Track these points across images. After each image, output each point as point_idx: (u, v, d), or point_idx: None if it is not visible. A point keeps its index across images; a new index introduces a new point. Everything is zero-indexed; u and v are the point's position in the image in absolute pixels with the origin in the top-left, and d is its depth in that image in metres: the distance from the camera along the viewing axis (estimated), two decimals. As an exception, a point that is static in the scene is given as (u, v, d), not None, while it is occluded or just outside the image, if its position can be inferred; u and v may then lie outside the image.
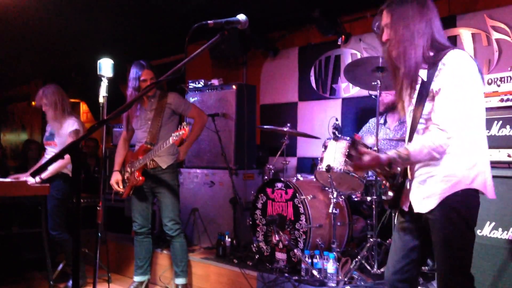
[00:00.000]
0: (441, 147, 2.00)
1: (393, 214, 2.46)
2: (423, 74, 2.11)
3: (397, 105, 2.29)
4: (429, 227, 2.10)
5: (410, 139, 2.16)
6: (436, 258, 2.12)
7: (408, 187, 2.20)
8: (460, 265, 2.08)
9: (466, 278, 2.10)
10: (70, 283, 4.31)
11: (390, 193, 2.25)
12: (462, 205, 2.03)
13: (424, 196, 2.10)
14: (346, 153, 1.96)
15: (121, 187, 4.02)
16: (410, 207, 2.18)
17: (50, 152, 4.35)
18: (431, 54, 2.10)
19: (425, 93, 2.08)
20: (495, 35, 4.26)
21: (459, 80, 2.00)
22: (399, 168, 2.21)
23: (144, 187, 4.03)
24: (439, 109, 2.03)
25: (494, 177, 2.67)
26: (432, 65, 2.06)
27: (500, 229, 2.66)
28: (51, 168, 4.02)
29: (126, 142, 4.23)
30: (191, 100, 5.33)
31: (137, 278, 4.19)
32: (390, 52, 2.16)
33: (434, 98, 2.05)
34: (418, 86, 2.13)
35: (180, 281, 4.07)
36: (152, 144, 3.92)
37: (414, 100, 2.14)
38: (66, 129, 4.26)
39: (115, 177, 4.05)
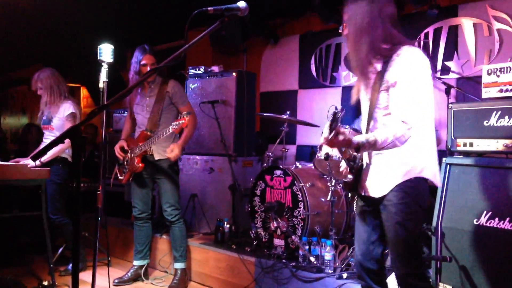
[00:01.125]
0: (403, 137, 2.10)
1: (350, 197, 2.60)
2: (379, 65, 2.23)
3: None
4: (382, 211, 2.25)
5: (368, 126, 2.30)
6: (391, 241, 2.24)
7: (365, 172, 2.33)
8: (416, 245, 2.22)
9: (420, 259, 2.24)
10: (70, 266, 4.36)
11: (350, 176, 2.36)
12: (414, 190, 2.18)
13: (378, 181, 2.26)
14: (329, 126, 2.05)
15: (123, 154, 4.05)
16: (367, 191, 2.32)
17: (48, 136, 4.37)
18: (387, 47, 2.20)
19: (379, 84, 2.20)
20: (497, 25, 4.25)
21: (417, 75, 2.12)
22: (355, 154, 2.33)
23: (143, 173, 4.06)
24: (399, 101, 2.14)
25: (491, 167, 2.71)
26: (387, 57, 2.18)
27: (496, 219, 2.69)
28: (51, 152, 4.04)
29: (131, 120, 4.29)
30: (191, 86, 5.33)
31: (136, 262, 4.25)
32: (349, 48, 2.33)
33: (388, 89, 2.17)
34: (374, 76, 2.25)
35: (179, 265, 4.12)
36: (152, 131, 3.94)
37: (369, 90, 2.28)
38: (63, 113, 4.28)
39: (120, 143, 4.08)
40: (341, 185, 3.95)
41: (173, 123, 3.59)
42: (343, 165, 2.45)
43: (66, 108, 4.29)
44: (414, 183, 2.17)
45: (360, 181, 2.36)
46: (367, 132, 2.30)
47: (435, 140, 2.25)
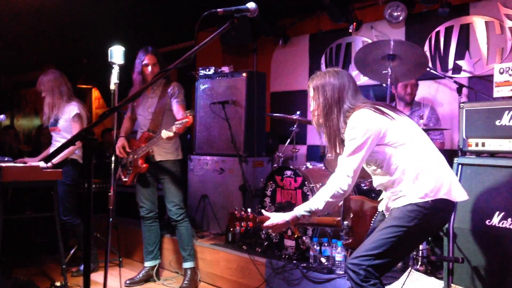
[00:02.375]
0: (339, 191, 2.32)
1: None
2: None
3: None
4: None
5: None
6: (369, 237, 2.34)
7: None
8: (385, 252, 2.24)
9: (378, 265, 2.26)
10: (82, 267, 4.39)
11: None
12: (419, 210, 2.25)
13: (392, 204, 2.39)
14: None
15: (125, 153, 4.07)
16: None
17: (56, 137, 4.41)
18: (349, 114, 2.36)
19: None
20: (509, 23, 4.20)
21: (350, 137, 2.28)
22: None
23: (147, 173, 4.10)
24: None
25: (504, 167, 2.68)
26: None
27: (509, 219, 2.65)
28: (61, 154, 4.07)
29: (131, 120, 4.33)
30: (201, 87, 5.34)
31: (148, 263, 4.27)
32: (318, 120, 2.48)
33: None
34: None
35: (188, 265, 4.13)
36: (155, 132, 3.97)
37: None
38: (69, 115, 4.33)
39: (121, 142, 4.09)
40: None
41: (176, 122, 3.60)
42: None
43: (72, 110, 4.33)
44: (419, 204, 2.24)
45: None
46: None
47: (429, 158, 2.32)
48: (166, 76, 4.09)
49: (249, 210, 2.60)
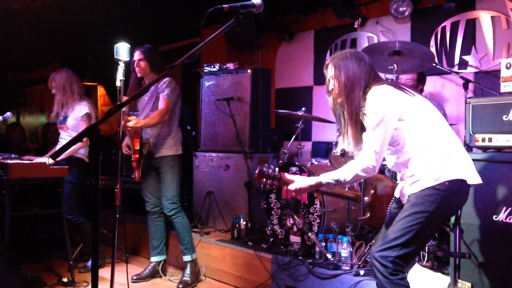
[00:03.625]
0: (369, 167, 2.31)
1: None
2: None
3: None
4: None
5: None
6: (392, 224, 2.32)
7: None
8: (409, 240, 2.24)
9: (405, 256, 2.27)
10: (89, 263, 4.42)
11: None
12: (438, 193, 2.25)
13: (405, 191, 2.40)
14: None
15: (131, 150, 4.10)
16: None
17: (63, 135, 4.43)
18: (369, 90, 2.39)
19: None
20: (515, 18, 4.17)
21: (369, 115, 2.32)
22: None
23: (151, 168, 4.14)
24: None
25: (507, 162, 2.67)
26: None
27: (516, 215, 2.65)
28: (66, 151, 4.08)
29: None
30: (206, 84, 5.34)
31: (154, 259, 4.29)
32: (335, 100, 2.50)
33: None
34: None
35: (187, 258, 4.15)
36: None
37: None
38: (78, 113, 4.34)
39: (126, 141, 4.12)
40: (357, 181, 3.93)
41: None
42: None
43: (82, 109, 4.35)
44: (437, 187, 2.24)
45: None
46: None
47: (448, 140, 2.33)
48: (157, 72, 4.08)
49: (277, 169, 2.60)
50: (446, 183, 2.23)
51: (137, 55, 4.03)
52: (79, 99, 4.41)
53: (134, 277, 4.18)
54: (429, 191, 2.24)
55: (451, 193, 2.24)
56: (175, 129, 4.20)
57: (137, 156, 4.07)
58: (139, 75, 4.08)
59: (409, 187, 2.35)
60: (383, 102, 2.29)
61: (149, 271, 4.25)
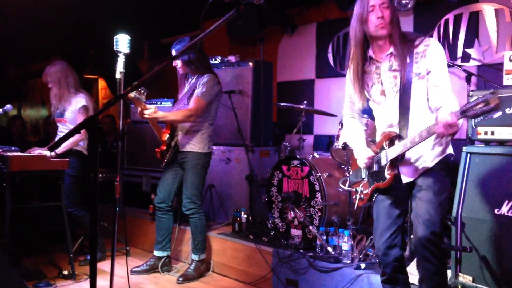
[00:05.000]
0: None
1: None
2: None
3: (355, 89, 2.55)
4: (413, 191, 2.39)
5: (402, 116, 2.35)
6: (421, 212, 2.30)
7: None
8: (443, 214, 2.33)
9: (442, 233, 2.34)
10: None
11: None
12: (446, 166, 2.36)
13: (416, 165, 2.37)
14: None
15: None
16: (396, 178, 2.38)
17: (61, 129, 4.42)
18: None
19: (410, 74, 2.31)
20: (519, 11, 4.14)
21: (446, 64, 2.33)
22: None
23: (174, 162, 4.09)
24: (443, 87, 2.28)
25: (510, 155, 2.66)
26: (407, 50, 2.32)
27: (518, 208, 2.63)
28: (65, 144, 4.07)
29: None
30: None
31: (156, 253, 4.26)
32: (382, 29, 2.32)
33: (423, 77, 2.30)
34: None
35: (194, 256, 4.13)
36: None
37: (398, 82, 2.34)
38: (75, 106, 4.31)
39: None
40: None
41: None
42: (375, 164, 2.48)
43: (79, 101, 4.32)
44: (446, 160, 2.36)
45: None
46: (400, 125, 2.36)
47: None
48: (202, 67, 4.00)
49: None
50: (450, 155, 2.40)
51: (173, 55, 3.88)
52: (75, 91, 4.38)
53: (133, 269, 4.17)
54: (441, 165, 2.35)
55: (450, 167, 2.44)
56: (206, 126, 4.05)
57: (164, 147, 4.03)
58: (181, 72, 4.04)
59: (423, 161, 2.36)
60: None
61: (148, 265, 4.21)
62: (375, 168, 2.45)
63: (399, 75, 2.33)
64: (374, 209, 2.55)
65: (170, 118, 3.92)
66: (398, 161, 2.35)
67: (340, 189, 3.76)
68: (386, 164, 2.35)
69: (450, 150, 2.39)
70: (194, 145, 4.01)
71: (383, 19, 2.29)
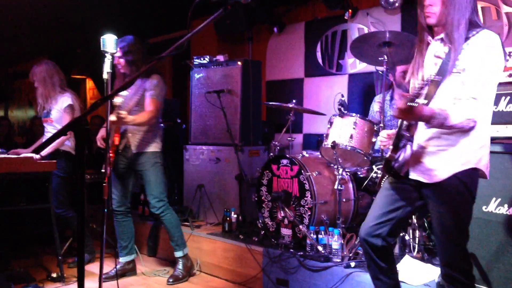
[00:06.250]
0: (473, 120, 2.08)
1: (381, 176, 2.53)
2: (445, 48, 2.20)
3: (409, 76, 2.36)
4: (432, 197, 2.22)
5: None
6: (440, 228, 2.21)
7: (410, 153, 2.24)
8: (464, 237, 2.22)
9: (467, 254, 2.24)
10: (78, 258, 4.37)
11: (393, 154, 2.26)
12: (469, 181, 2.16)
13: (432, 167, 2.20)
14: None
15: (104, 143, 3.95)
16: (407, 173, 2.27)
17: (48, 129, 4.38)
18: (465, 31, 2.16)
19: (448, 66, 2.14)
20: (505, 9, 4.17)
21: (489, 58, 2.10)
22: (404, 133, 2.26)
23: (121, 165, 4.02)
24: (469, 81, 2.10)
25: (501, 153, 2.67)
26: (458, 39, 2.14)
27: (505, 205, 2.65)
28: (51, 145, 4.02)
29: None
30: (196, 76, 5.30)
31: (123, 259, 4.15)
32: (428, 18, 2.23)
33: (460, 70, 2.12)
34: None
35: (178, 254, 4.10)
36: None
37: (436, 69, 2.19)
38: (61, 105, 4.28)
39: (101, 133, 4.00)
40: (348, 173, 3.92)
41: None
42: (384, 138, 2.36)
43: (64, 101, 4.29)
44: (470, 173, 2.16)
45: (402, 162, 2.26)
46: None
47: (489, 133, 2.24)
48: (149, 69, 3.91)
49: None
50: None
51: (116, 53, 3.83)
52: (61, 90, 4.34)
53: (104, 276, 4.00)
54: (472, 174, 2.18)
55: (476, 182, 2.23)
56: (156, 124, 4.04)
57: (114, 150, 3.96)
58: (121, 71, 3.94)
59: (450, 160, 2.17)
60: (499, 54, 2.16)
61: (118, 270, 4.01)
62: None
63: (439, 63, 2.19)
64: (377, 195, 2.48)
65: (138, 121, 3.81)
66: (402, 149, 2.23)
67: (330, 188, 3.76)
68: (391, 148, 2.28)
69: (481, 164, 2.17)
70: (150, 145, 3.99)
71: (431, 7, 2.21)
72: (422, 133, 2.25)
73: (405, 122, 2.25)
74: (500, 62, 2.14)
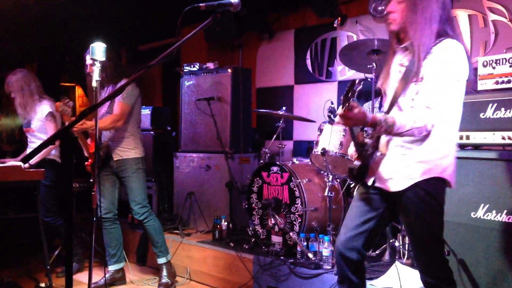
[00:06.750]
0: (425, 128, 2.06)
1: (353, 186, 2.48)
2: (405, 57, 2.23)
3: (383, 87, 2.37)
4: (398, 205, 2.23)
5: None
6: (412, 237, 2.24)
7: (376, 161, 2.24)
8: (438, 243, 2.22)
9: (443, 259, 2.24)
10: (67, 267, 4.32)
11: (357, 163, 2.24)
12: (433, 190, 2.15)
13: (393, 176, 2.20)
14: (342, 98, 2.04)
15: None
16: (373, 182, 2.27)
17: (31, 139, 4.35)
18: (432, 38, 2.14)
19: (411, 74, 2.13)
20: (492, 17, 4.22)
21: (449, 67, 2.08)
22: (367, 140, 2.26)
23: (107, 171, 4.00)
24: (426, 90, 2.09)
25: (488, 159, 2.70)
26: (422, 47, 2.11)
27: (494, 211, 2.67)
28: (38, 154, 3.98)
29: None
30: (186, 83, 5.30)
31: (112, 267, 4.10)
32: (391, 25, 2.24)
33: (418, 80, 2.12)
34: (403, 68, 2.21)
35: (162, 260, 4.07)
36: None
37: (399, 77, 2.20)
38: (41, 114, 4.25)
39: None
40: (338, 180, 3.93)
41: None
42: (351, 150, 2.36)
43: (44, 109, 4.26)
44: (433, 183, 2.14)
45: (368, 170, 2.26)
46: None
47: (457, 138, 2.24)
48: (119, 74, 3.93)
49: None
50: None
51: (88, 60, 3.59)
52: (39, 99, 4.30)
53: (92, 285, 3.87)
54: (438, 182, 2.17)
55: (442, 191, 2.24)
56: (135, 130, 4.03)
57: (92, 160, 3.89)
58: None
59: (415, 168, 2.15)
60: (463, 63, 2.14)
61: (107, 279, 4.00)
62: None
63: (403, 71, 2.19)
64: (350, 206, 2.46)
65: (100, 126, 3.75)
66: (366, 158, 2.22)
67: (320, 195, 3.78)
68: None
69: (446, 174, 2.16)
70: (130, 151, 3.98)
71: (392, 14, 2.21)
72: (385, 141, 2.25)
73: (356, 130, 2.27)
74: (462, 71, 2.12)
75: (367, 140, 2.25)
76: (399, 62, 2.28)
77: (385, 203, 2.29)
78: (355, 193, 2.44)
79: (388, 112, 2.22)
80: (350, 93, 2.00)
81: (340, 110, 2.01)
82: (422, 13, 2.12)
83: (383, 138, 2.25)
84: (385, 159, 2.24)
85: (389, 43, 2.35)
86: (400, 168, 2.18)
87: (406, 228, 2.28)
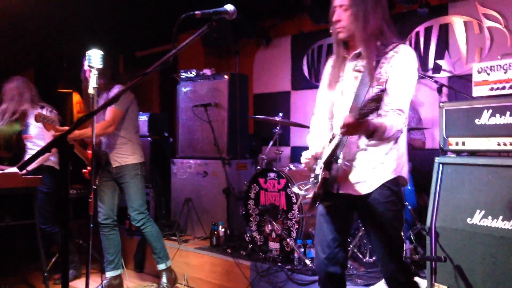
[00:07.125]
0: (401, 130, 2.15)
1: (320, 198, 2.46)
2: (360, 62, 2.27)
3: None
4: (363, 208, 2.27)
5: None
6: (378, 239, 2.26)
7: (343, 169, 2.27)
8: (401, 241, 2.37)
9: (402, 254, 2.37)
10: (65, 274, 4.31)
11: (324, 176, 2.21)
12: (397, 189, 2.26)
13: (361, 179, 2.25)
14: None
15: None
16: (338, 189, 2.29)
17: (29, 145, 4.36)
18: (378, 43, 2.20)
19: (370, 78, 2.15)
20: (487, 23, 4.25)
21: (412, 73, 2.19)
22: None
23: (106, 177, 4.01)
24: (396, 94, 2.14)
25: (484, 165, 2.71)
26: (381, 54, 2.17)
27: (489, 217, 2.67)
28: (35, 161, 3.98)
29: None
30: (183, 90, 5.31)
31: (109, 274, 4.07)
32: (339, 33, 2.26)
33: (383, 84, 2.12)
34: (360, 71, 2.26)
35: (161, 266, 4.07)
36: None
37: (357, 83, 2.22)
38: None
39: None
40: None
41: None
42: (319, 166, 2.30)
43: None
44: (397, 181, 2.25)
45: (333, 180, 2.26)
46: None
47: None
48: (115, 81, 3.94)
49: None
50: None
51: (85, 66, 3.64)
52: (34, 106, 4.31)
53: None
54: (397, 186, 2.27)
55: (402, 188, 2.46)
56: (132, 136, 4.03)
57: (90, 168, 3.91)
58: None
59: (380, 170, 2.22)
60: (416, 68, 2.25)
61: (105, 286, 4.00)
62: (317, 170, 2.30)
63: (360, 77, 2.21)
64: (316, 221, 2.44)
65: (89, 134, 3.71)
66: (333, 166, 2.22)
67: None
68: (321, 167, 2.23)
69: (404, 171, 2.28)
70: (128, 157, 3.98)
71: (339, 22, 2.23)
72: (349, 147, 2.27)
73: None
74: (416, 77, 2.23)
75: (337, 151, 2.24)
76: (353, 68, 2.30)
77: (350, 211, 2.38)
78: (317, 209, 2.41)
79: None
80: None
81: (348, 119, 1.95)
82: (368, 19, 2.17)
83: (346, 146, 2.25)
84: (350, 164, 2.27)
85: (335, 50, 2.37)
86: (366, 171, 2.23)
87: (371, 229, 2.30)
